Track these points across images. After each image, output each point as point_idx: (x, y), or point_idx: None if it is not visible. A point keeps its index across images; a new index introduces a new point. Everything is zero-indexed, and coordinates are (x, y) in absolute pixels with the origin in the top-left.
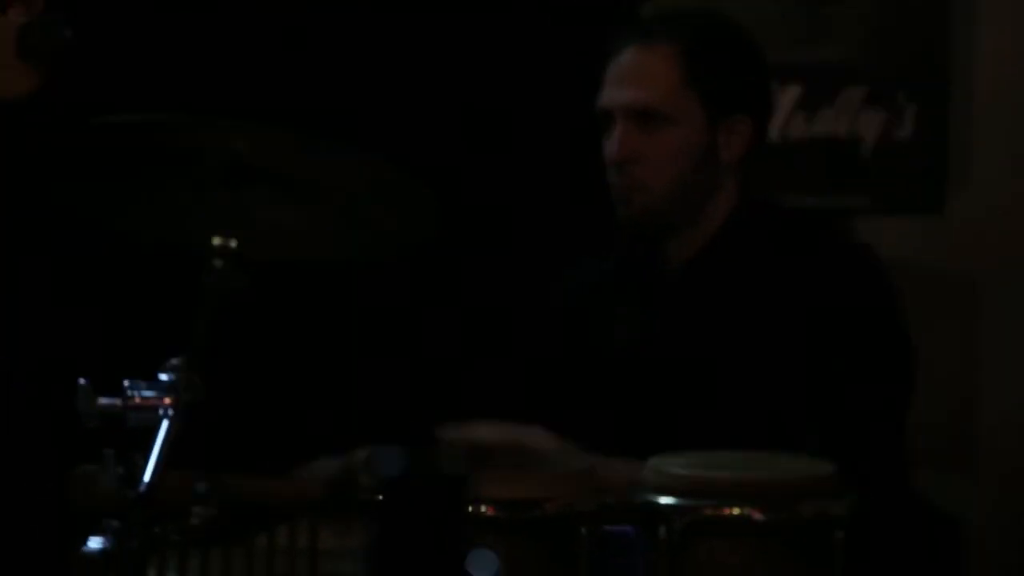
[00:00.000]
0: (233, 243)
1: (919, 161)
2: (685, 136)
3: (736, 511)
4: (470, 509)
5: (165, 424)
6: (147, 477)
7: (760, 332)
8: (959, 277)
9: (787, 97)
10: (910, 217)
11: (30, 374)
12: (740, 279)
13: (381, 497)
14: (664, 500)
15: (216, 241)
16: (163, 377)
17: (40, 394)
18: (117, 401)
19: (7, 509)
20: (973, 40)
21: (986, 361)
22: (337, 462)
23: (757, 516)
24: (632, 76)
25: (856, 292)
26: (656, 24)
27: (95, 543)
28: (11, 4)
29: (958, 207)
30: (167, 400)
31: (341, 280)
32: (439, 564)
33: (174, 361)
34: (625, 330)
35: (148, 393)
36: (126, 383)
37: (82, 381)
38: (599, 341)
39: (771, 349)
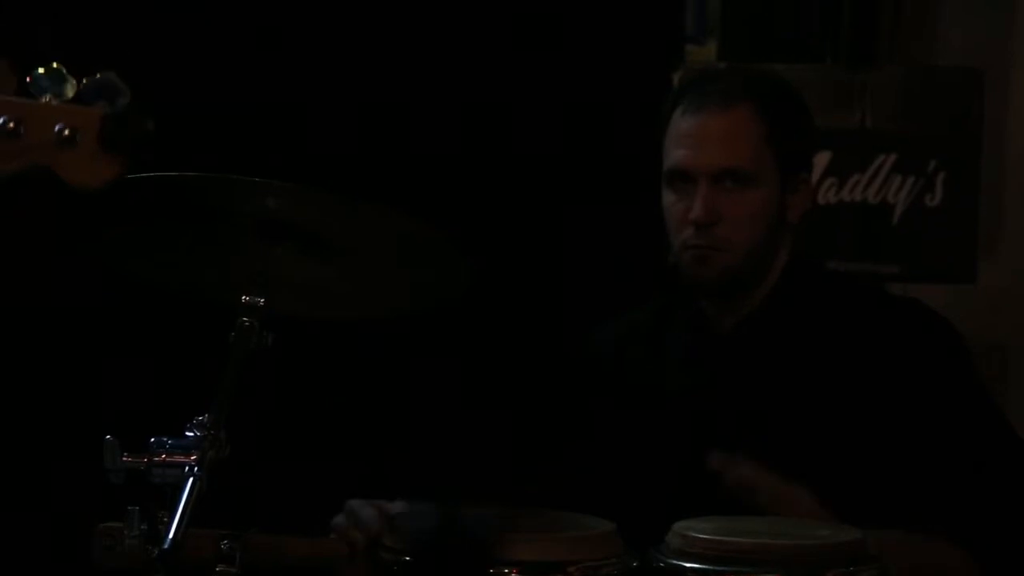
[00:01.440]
0: (261, 301)
1: (949, 229)
2: (764, 196)
3: None
4: (493, 571)
5: (190, 481)
6: (171, 534)
7: (830, 395)
8: (989, 345)
9: (818, 163)
10: (941, 285)
11: (57, 429)
12: (799, 338)
13: (408, 556)
14: (689, 564)
15: (244, 299)
16: (188, 434)
17: (67, 449)
18: (142, 458)
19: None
20: (1004, 108)
21: (1017, 429)
22: (371, 508)
23: None
24: (715, 137)
25: (934, 348)
26: (727, 83)
27: None
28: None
29: (989, 275)
30: (192, 457)
31: (374, 334)
32: None
33: (200, 418)
34: (673, 386)
35: (173, 450)
36: (151, 440)
37: (108, 437)
38: (641, 398)
39: (841, 413)
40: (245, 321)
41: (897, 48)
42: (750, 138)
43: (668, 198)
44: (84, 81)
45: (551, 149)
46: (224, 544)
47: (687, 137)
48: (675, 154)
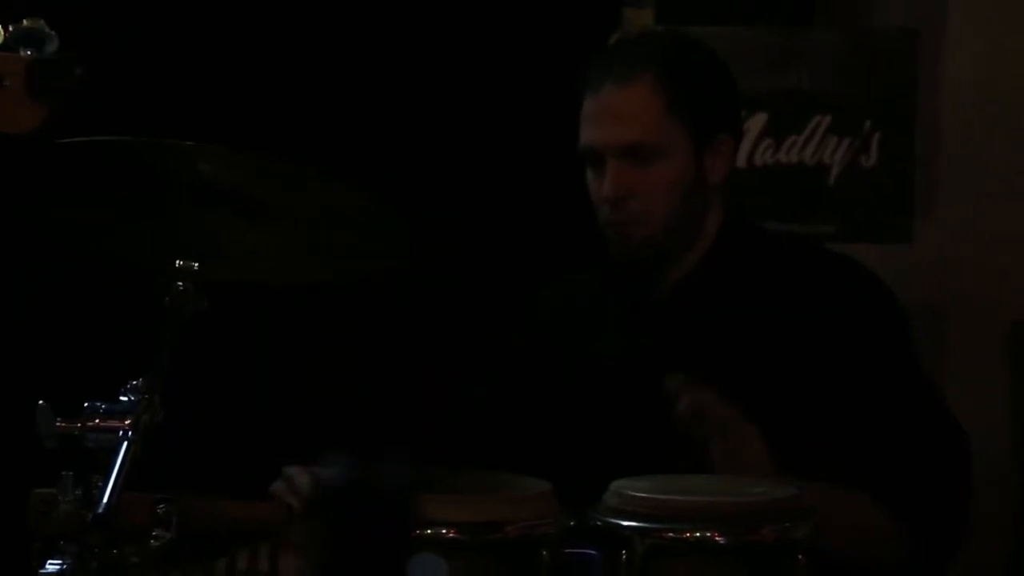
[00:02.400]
0: (195, 265)
1: (884, 190)
2: (676, 164)
3: (698, 534)
4: (430, 531)
5: (124, 446)
6: (105, 499)
7: (765, 352)
8: (924, 306)
9: (754, 124)
10: (876, 245)
11: None
12: (735, 299)
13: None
14: (626, 523)
15: (179, 263)
16: (123, 398)
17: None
18: (76, 423)
19: None
20: (939, 70)
21: (950, 390)
22: (306, 475)
23: (719, 539)
24: (616, 113)
25: (871, 308)
26: (629, 55)
27: (53, 567)
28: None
29: (924, 236)
30: (126, 421)
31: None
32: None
33: (134, 382)
34: (611, 350)
35: (107, 414)
36: (85, 405)
37: (41, 403)
38: (578, 360)
39: (781, 370)
40: (180, 285)
41: (836, 10)
42: (650, 111)
43: (588, 176)
44: (11, 28)
45: (491, 108)
46: (160, 508)
47: (589, 116)
48: (582, 133)
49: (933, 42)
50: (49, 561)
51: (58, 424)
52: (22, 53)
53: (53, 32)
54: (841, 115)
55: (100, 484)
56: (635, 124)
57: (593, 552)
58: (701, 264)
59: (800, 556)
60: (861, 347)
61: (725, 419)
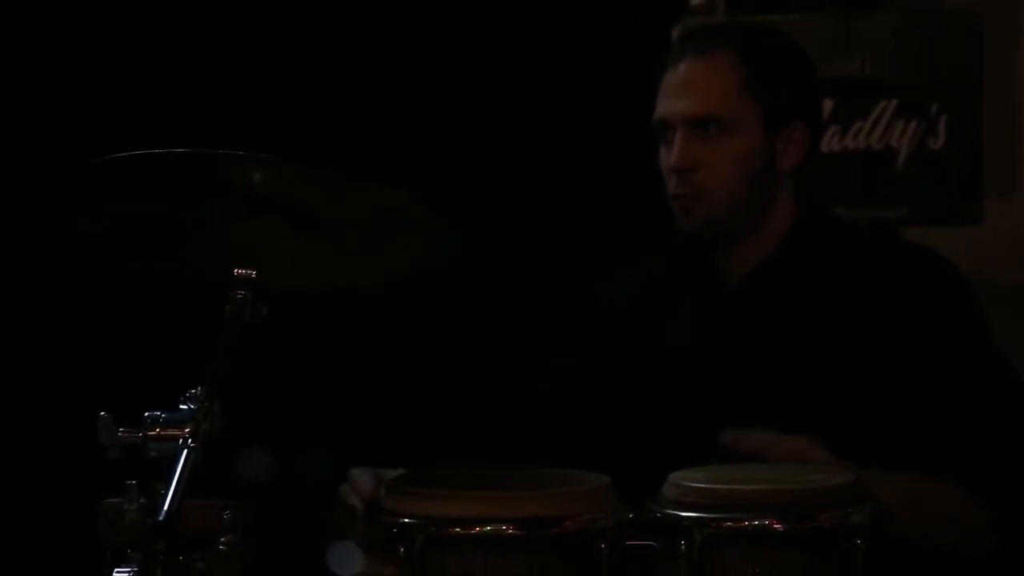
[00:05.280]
0: (253, 274)
1: (954, 171)
2: (744, 143)
3: (756, 523)
4: (490, 528)
5: (184, 453)
6: (166, 506)
7: (839, 345)
8: (1000, 287)
9: None
10: (948, 228)
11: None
12: (809, 290)
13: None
14: (684, 514)
15: (236, 272)
16: (182, 407)
17: (66, 427)
18: (137, 432)
19: (38, 544)
20: (1007, 48)
21: None
22: (369, 475)
23: (777, 527)
24: (690, 85)
25: (946, 298)
26: (710, 34)
27: (121, 575)
28: None
29: (998, 216)
30: (186, 429)
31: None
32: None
33: (193, 391)
34: (682, 339)
35: (167, 423)
36: (146, 414)
37: (103, 414)
38: (648, 349)
39: (856, 361)
40: (239, 294)
41: None
42: (724, 85)
43: (660, 151)
44: None
45: (557, 102)
46: (227, 515)
47: (666, 88)
48: (657, 107)
49: (1000, 17)
50: (116, 569)
51: (120, 434)
52: None
53: None
54: (907, 98)
55: (165, 492)
56: (708, 96)
57: (652, 543)
58: (774, 254)
59: (859, 541)
60: (937, 336)
61: (781, 448)
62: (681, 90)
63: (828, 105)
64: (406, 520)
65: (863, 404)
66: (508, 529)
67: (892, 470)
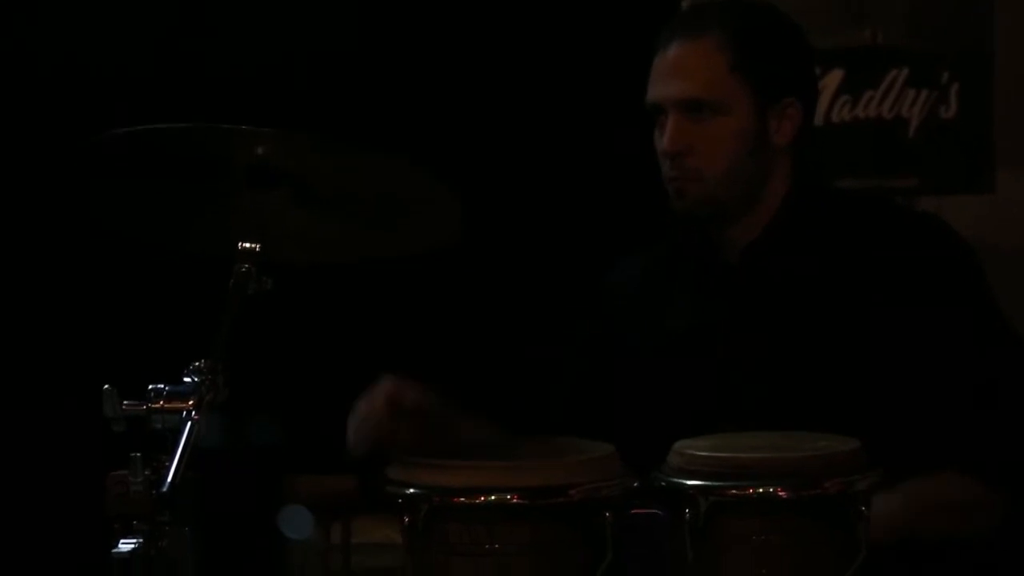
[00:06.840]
0: (257, 247)
1: (965, 140)
2: (736, 123)
3: (761, 490)
4: (495, 497)
5: (188, 426)
6: (169, 478)
7: (839, 319)
8: (1011, 255)
9: (831, 81)
10: (959, 196)
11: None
12: (806, 262)
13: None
14: (690, 482)
15: (240, 245)
16: (186, 379)
17: (70, 400)
18: (141, 405)
19: (44, 516)
20: (1018, 17)
21: None
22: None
23: (782, 494)
24: (679, 68)
25: (947, 265)
26: (699, 15)
27: (126, 546)
28: None
29: (1009, 184)
30: (190, 402)
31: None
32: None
33: (197, 363)
34: (683, 318)
35: (171, 396)
36: (149, 387)
37: (107, 386)
38: (653, 329)
39: (855, 333)
40: (243, 267)
41: None
42: (712, 67)
43: (655, 134)
44: None
45: (550, 83)
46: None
47: (656, 71)
48: (648, 90)
49: None
50: (122, 540)
51: (124, 406)
52: None
53: None
54: (918, 67)
55: (169, 464)
56: (696, 79)
57: (659, 512)
58: (769, 227)
59: (863, 508)
60: (939, 306)
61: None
62: (670, 73)
63: (838, 75)
64: (411, 490)
65: (864, 375)
66: (513, 498)
67: (892, 483)
